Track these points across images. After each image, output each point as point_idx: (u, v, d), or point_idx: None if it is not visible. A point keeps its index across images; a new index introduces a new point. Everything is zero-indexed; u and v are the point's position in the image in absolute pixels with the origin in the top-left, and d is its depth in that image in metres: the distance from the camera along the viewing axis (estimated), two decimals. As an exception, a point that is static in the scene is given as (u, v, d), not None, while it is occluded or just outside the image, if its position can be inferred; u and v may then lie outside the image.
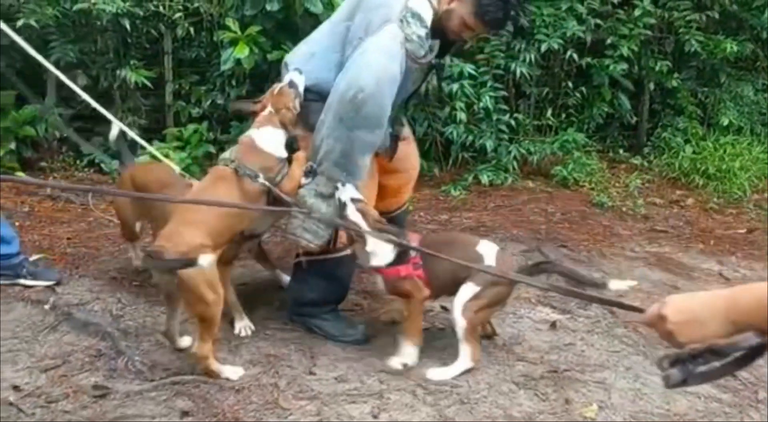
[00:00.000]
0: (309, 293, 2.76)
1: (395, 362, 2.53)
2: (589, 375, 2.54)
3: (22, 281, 3.04)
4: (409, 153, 3.08)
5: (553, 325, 2.90)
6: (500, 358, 2.63)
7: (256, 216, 2.60)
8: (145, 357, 2.54)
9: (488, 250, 2.55)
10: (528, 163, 5.15)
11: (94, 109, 4.94)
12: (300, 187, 2.57)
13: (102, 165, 4.77)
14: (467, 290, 2.46)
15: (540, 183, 5.01)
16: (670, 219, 4.48)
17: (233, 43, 4.35)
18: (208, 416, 2.22)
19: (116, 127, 3.05)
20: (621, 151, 5.73)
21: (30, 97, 4.58)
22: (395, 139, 2.85)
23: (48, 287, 3.01)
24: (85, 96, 3.04)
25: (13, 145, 4.54)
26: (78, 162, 4.84)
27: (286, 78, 2.64)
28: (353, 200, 2.51)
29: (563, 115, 5.38)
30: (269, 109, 2.59)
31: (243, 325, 2.77)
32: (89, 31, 4.66)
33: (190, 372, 2.45)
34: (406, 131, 3.07)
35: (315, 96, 2.62)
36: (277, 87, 2.63)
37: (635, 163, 5.51)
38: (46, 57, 4.56)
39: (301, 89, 2.62)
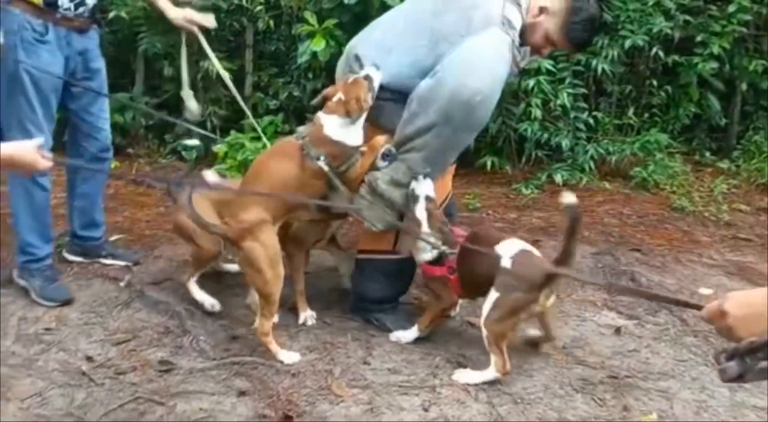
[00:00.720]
0: (374, 292, 2.77)
1: (395, 336, 2.68)
2: (652, 384, 2.44)
3: (102, 260, 3.22)
4: None
5: (617, 331, 2.81)
6: (559, 361, 2.58)
7: (314, 192, 2.56)
8: (209, 337, 2.64)
9: (507, 250, 2.42)
10: (606, 164, 4.97)
11: (179, 98, 5.25)
12: (375, 168, 2.55)
13: (183, 153, 4.98)
14: (489, 298, 2.39)
15: (618, 184, 4.83)
16: (755, 228, 4.23)
17: (310, 36, 4.44)
18: (263, 397, 2.29)
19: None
20: (708, 153, 5.45)
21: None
22: None
23: (125, 266, 3.17)
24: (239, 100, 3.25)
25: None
26: (161, 149, 5.08)
27: (363, 71, 2.58)
28: (427, 198, 2.50)
29: (646, 115, 5.16)
30: (339, 95, 2.54)
31: (307, 315, 2.82)
32: (176, 24, 4.86)
33: (249, 354, 2.53)
34: None
35: (392, 94, 2.56)
36: (352, 77, 2.59)
37: (722, 167, 5.22)
38: (135, 48, 4.86)
39: (376, 85, 2.56)
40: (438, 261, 2.53)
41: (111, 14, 4.43)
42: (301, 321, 2.81)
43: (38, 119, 2.76)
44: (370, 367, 2.50)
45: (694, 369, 2.55)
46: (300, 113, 5.04)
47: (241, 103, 3.25)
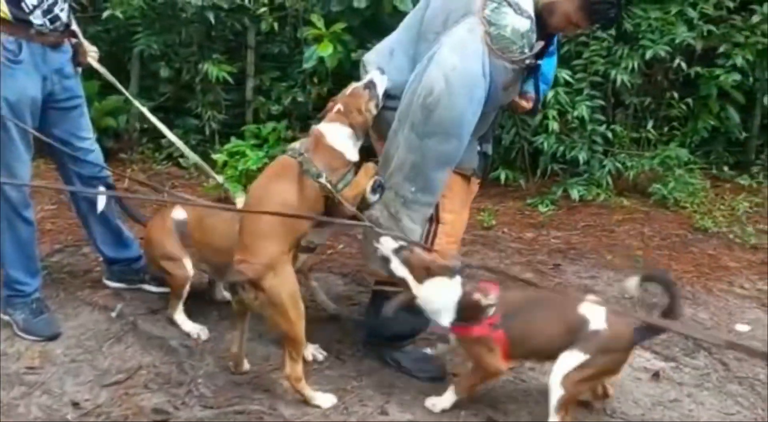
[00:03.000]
0: (388, 328, 2.50)
1: (430, 402, 2.31)
2: (700, 442, 2.22)
3: (146, 287, 2.96)
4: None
5: (655, 375, 2.58)
6: (594, 412, 2.34)
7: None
8: (208, 380, 2.40)
9: (595, 312, 2.14)
10: (623, 179, 4.75)
11: (176, 101, 4.99)
12: (367, 205, 2.31)
13: (180, 160, 4.71)
14: (571, 358, 2.09)
15: (636, 201, 4.61)
16: (784, 252, 4.03)
17: (317, 40, 4.18)
18: (270, 456, 2.05)
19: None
20: (726, 168, 5.22)
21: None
22: (486, 157, 2.56)
23: (116, 293, 2.91)
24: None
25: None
26: (157, 155, 4.82)
27: (366, 77, 2.38)
28: (395, 251, 2.20)
29: (665, 128, 4.94)
30: (339, 106, 2.34)
31: (312, 350, 2.59)
32: (174, 23, 4.59)
33: (253, 401, 2.28)
34: None
35: (392, 102, 2.35)
36: (351, 86, 2.40)
37: (742, 183, 5.00)
38: (131, 48, 4.59)
39: (380, 91, 2.35)
40: (469, 317, 2.18)
41: (105, 13, 4.15)
42: (309, 357, 2.57)
43: (18, 149, 2.49)
44: (388, 419, 2.26)
45: (744, 424, 2.33)
46: (304, 119, 4.78)
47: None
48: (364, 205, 2.33)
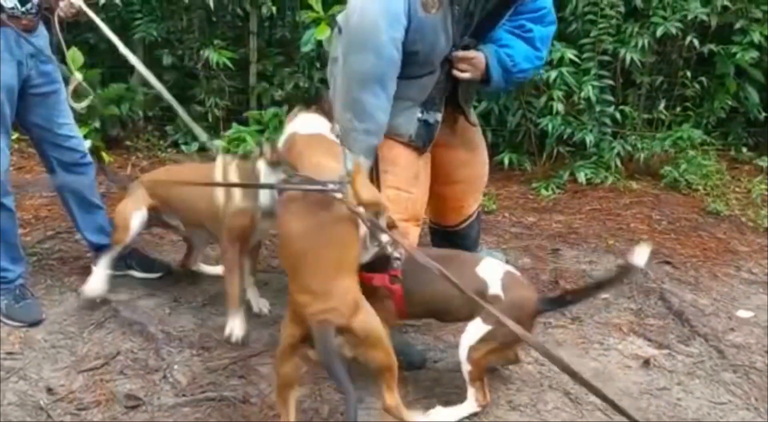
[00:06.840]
0: None
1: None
2: (685, 432, 2.13)
3: (132, 272, 2.96)
4: (470, 160, 2.72)
5: (646, 363, 2.48)
6: (579, 398, 2.26)
7: None
8: (185, 367, 2.38)
9: (492, 273, 2.09)
10: (633, 161, 4.60)
11: (181, 89, 4.97)
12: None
13: (183, 147, 4.71)
14: (475, 330, 2.05)
15: (646, 184, 4.47)
16: (799, 236, 3.86)
17: (316, 23, 4.12)
18: (238, 443, 2.02)
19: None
20: (744, 149, 5.04)
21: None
22: (428, 126, 2.45)
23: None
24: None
25: (97, 124, 4.55)
26: (161, 142, 4.82)
27: None
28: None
29: (678, 108, 4.77)
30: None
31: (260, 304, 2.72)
32: (175, 9, 4.58)
33: (228, 389, 2.26)
34: (473, 134, 2.72)
35: None
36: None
37: (761, 165, 4.82)
38: (130, 36, 4.58)
39: None
40: (379, 265, 2.13)
41: (103, 0, 4.15)
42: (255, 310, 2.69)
43: None
44: (362, 406, 2.19)
45: (734, 414, 2.23)
46: (308, 105, 4.73)
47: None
48: None
